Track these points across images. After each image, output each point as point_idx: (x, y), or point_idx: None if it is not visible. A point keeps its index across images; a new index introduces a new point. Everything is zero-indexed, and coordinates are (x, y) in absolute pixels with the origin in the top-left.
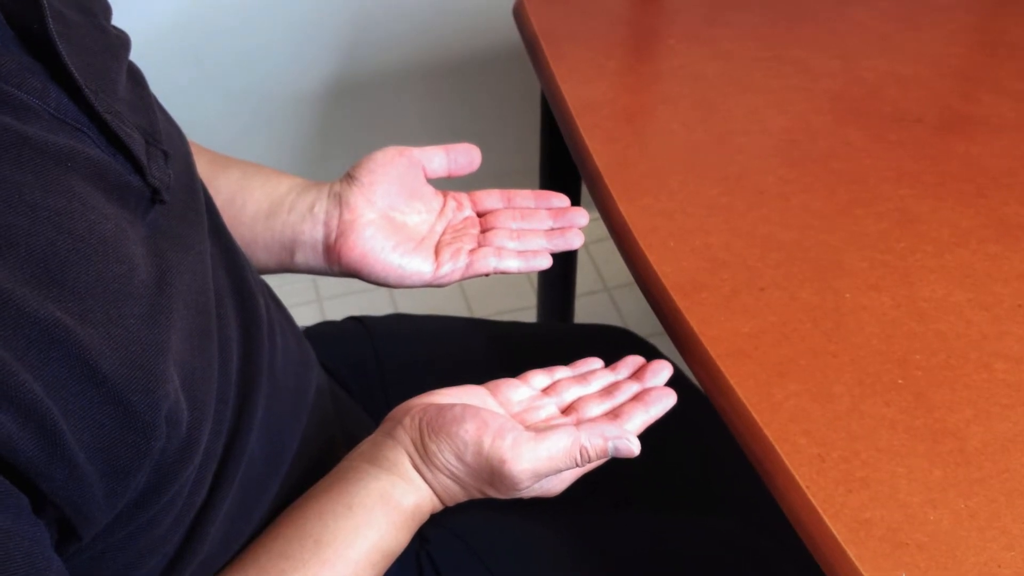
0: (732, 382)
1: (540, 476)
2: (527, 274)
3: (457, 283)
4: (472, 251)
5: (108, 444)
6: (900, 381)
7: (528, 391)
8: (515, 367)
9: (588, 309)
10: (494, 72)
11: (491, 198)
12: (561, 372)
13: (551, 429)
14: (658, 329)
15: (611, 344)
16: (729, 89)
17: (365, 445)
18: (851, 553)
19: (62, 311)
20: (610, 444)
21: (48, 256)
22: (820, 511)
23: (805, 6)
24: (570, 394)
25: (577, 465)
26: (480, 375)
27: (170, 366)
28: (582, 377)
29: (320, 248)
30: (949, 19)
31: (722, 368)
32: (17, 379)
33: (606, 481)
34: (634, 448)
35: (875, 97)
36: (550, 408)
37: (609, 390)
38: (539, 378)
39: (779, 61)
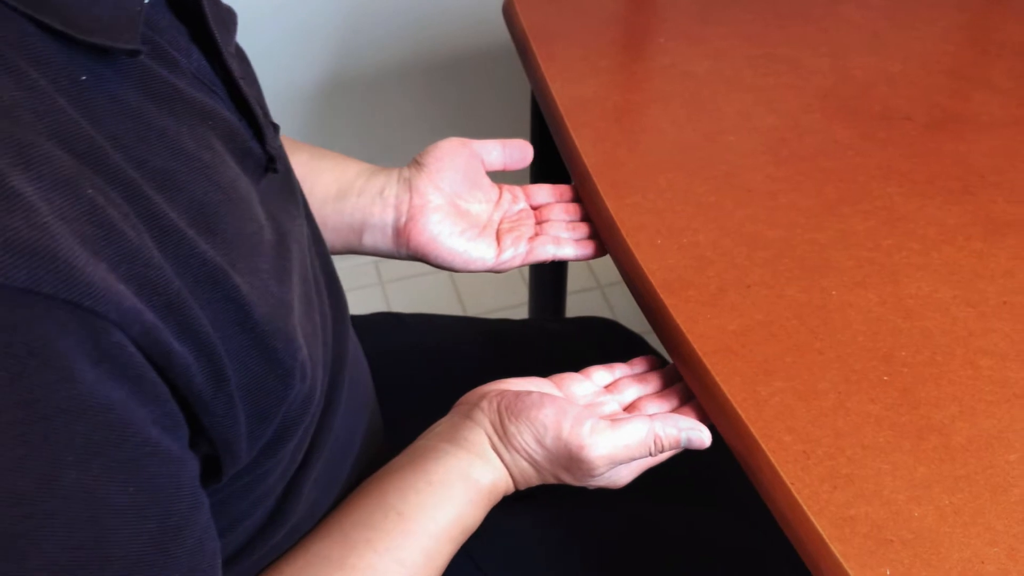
0: (718, 379)
1: (616, 463)
2: (520, 273)
3: (461, 277)
4: (531, 239)
5: (254, 387)
6: (885, 378)
7: (591, 386)
8: (507, 363)
9: (581, 307)
10: (485, 71)
11: (542, 192)
12: (620, 369)
13: (627, 419)
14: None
15: (599, 336)
16: (719, 88)
17: (442, 426)
18: (836, 550)
19: (219, 256)
20: (683, 435)
21: (204, 204)
22: (805, 508)
23: (796, 4)
24: (630, 393)
25: (651, 454)
26: (471, 372)
27: (297, 323)
28: (640, 377)
29: (389, 231)
30: (940, 17)
31: (708, 365)
32: (193, 312)
33: None
34: (706, 439)
35: (865, 95)
36: (612, 405)
37: (666, 393)
38: (600, 374)
39: (769, 59)
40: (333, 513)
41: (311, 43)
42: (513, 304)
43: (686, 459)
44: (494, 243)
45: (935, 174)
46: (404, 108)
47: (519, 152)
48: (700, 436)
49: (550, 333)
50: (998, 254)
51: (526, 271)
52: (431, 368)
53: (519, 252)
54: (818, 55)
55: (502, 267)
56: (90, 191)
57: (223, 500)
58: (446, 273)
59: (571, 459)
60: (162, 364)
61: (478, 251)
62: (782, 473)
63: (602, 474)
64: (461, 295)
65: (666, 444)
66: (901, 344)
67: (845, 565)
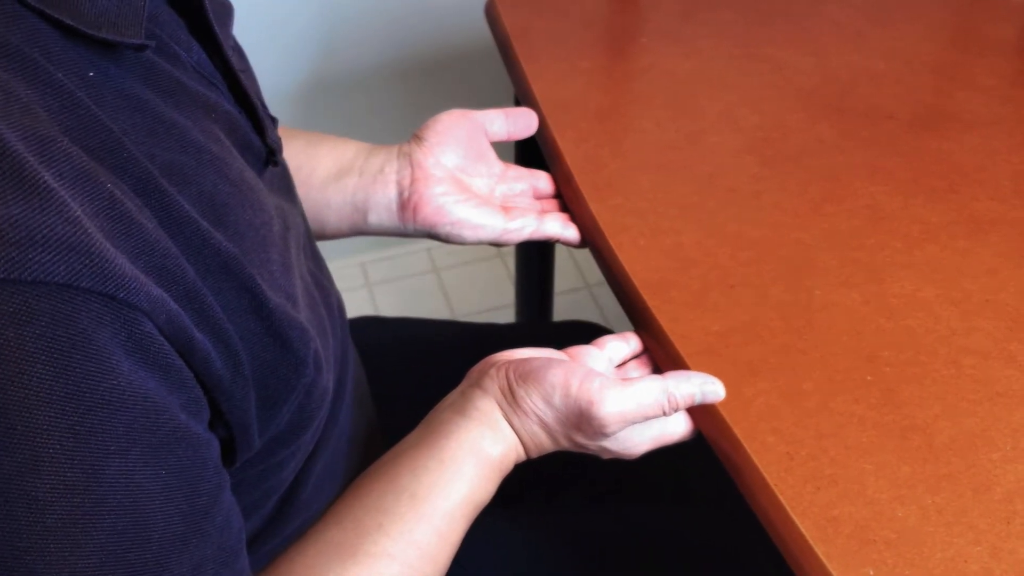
0: None
1: (628, 421)
2: (507, 273)
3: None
4: (538, 216)
5: (266, 374)
6: (869, 378)
7: (606, 360)
8: None
9: (569, 307)
10: (467, 72)
11: (545, 179)
12: (634, 339)
13: (639, 378)
14: None
15: (585, 340)
16: (702, 88)
17: (453, 396)
18: (819, 551)
19: (232, 247)
20: (698, 390)
21: (213, 196)
22: (788, 509)
23: (779, 4)
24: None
25: (664, 413)
26: (456, 376)
27: (303, 316)
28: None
29: (394, 207)
30: (922, 15)
31: (691, 366)
32: (207, 300)
33: (580, 477)
34: (720, 392)
35: (848, 94)
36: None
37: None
38: (614, 344)
39: (752, 59)
40: (345, 497)
41: (292, 45)
42: (500, 305)
43: (671, 459)
44: (500, 212)
45: (919, 173)
46: (386, 110)
47: (524, 121)
48: (715, 389)
49: (536, 337)
50: (981, 252)
51: (513, 271)
52: (415, 373)
53: (528, 224)
54: (801, 54)
55: (509, 236)
56: (108, 185)
57: (236, 486)
58: (433, 274)
59: (582, 417)
60: (185, 351)
61: (485, 218)
62: (766, 474)
63: (615, 433)
64: (448, 296)
65: (681, 402)
66: (885, 344)
67: (828, 566)
